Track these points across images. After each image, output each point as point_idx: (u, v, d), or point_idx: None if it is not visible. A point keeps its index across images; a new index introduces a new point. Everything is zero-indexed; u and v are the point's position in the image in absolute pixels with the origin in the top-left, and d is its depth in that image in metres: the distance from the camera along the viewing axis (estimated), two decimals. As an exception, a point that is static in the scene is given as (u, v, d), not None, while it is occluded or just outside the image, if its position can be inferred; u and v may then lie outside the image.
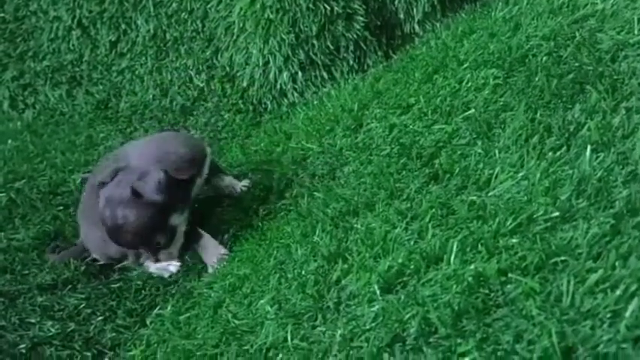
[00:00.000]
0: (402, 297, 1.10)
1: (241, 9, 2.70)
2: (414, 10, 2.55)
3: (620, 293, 0.87)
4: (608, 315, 0.86)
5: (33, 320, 1.71)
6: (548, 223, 1.08)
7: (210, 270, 1.86)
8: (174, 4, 3.11)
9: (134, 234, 1.74)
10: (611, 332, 0.83)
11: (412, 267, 1.16)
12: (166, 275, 1.91)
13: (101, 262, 1.99)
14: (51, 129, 3.09)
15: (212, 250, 1.87)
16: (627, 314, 0.84)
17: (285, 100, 2.68)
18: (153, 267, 1.94)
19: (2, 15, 3.54)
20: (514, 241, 1.08)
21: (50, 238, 2.10)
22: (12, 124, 3.19)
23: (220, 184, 2.09)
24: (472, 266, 1.07)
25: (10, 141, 2.87)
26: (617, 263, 0.93)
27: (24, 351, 1.61)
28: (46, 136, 2.97)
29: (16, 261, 1.95)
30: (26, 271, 1.91)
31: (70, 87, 3.35)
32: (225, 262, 1.82)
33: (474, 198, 1.27)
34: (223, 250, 1.86)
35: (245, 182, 2.09)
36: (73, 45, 3.37)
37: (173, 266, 1.92)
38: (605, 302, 0.87)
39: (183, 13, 3.08)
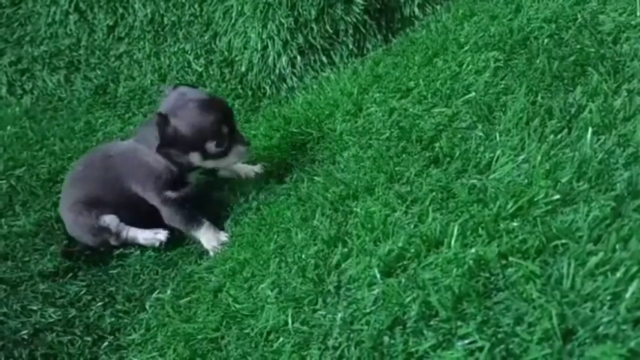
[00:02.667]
0: (403, 280, 1.10)
1: (239, -8, 2.69)
2: (414, -7, 2.54)
3: (621, 275, 0.87)
4: (609, 297, 0.86)
5: (35, 307, 1.72)
6: (549, 207, 1.08)
7: (211, 254, 1.86)
8: (171, -12, 3.09)
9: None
10: (611, 314, 0.83)
11: (412, 251, 1.16)
12: (157, 244, 1.94)
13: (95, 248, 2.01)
14: (49, 115, 3.08)
15: (212, 236, 1.88)
16: (627, 296, 0.84)
17: (284, 85, 2.67)
18: (141, 238, 1.95)
19: (-1, 0, 3.52)
20: (515, 224, 1.08)
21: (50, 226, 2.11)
22: (10, 109, 3.17)
23: (234, 166, 2.09)
24: (473, 250, 1.07)
25: (9, 127, 2.86)
26: (617, 246, 0.93)
27: (26, 337, 1.62)
28: (44, 122, 2.96)
29: (17, 248, 1.95)
30: (27, 258, 1.92)
31: (68, 72, 3.33)
32: (225, 247, 1.83)
33: (475, 181, 1.26)
34: (224, 237, 1.87)
35: (258, 167, 2.08)
36: (70, 30, 3.35)
37: (162, 234, 1.94)
38: (606, 285, 0.87)
39: (181, -3, 3.06)
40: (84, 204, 1.95)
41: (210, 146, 1.78)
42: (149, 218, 1.96)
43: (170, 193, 1.90)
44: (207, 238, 1.89)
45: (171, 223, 1.94)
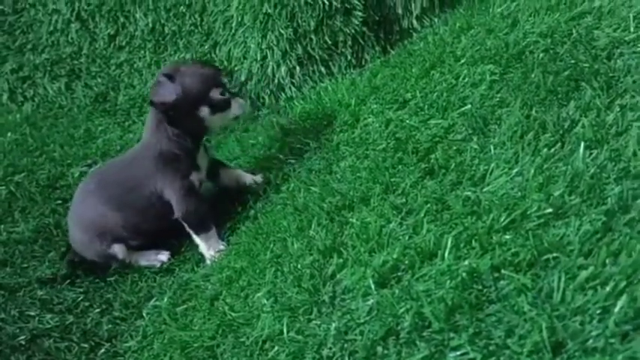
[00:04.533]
0: (397, 291, 1.11)
1: (239, 3, 2.70)
2: (412, 5, 2.55)
3: (610, 290, 0.88)
4: (598, 311, 0.87)
5: (32, 313, 1.73)
6: (541, 220, 1.09)
7: (208, 262, 1.88)
8: (172, -2, 3.12)
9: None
10: (600, 328, 0.85)
11: (407, 262, 1.17)
12: (157, 265, 1.96)
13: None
14: (50, 122, 3.09)
15: (214, 244, 1.90)
16: (616, 310, 0.85)
17: (283, 95, 2.69)
18: (143, 260, 1.97)
19: (1, 7, 3.52)
20: (507, 237, 1.09)
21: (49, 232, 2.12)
22: (11, 116, 3.18)
23: (235, 174, 2.13)
24: (466, 262, 1.08)
25: (9, 134, 2.88)
26: (607, 260, 0.94)
27: (23, 342, 1.63)
28: (45, 129, 2.98)
29: (16, 254, 1.97)
30: (26, 265, 1.93)
31: (69, 80, 3.34)
32: (222, 255, 1.84)
33: (469, 193, 1.28)
34: (222, 246, 1.89)
35: (259, 177, 2.10)
36: (71, 38, 3.37)
37: (163, 255, 1.96)
38: (595, 298, 0.89)
39: (182, 7, 3.08)
40: (96, 231, 1.96)
41: (215, 93, 1.89)
42: (164, 233, 2.00)
43: (194, 176, 1.94)
44: (209, 245, 1.90)
45: (186, 217, 1.93)
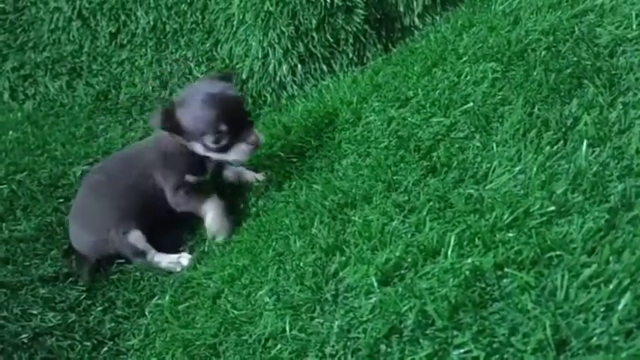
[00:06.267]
0: (400, 289, 1.11)
1: (241, 1, 2.70)
2: (414, 3, 2.55)
3: (613, 287, 0.89)
4: (602, 309, 0.87)
5: (35, 311, 1.73)
6: (544, 218, 1.09)
7: (209, 236, 1.90)
8: (173, -4, 3.11)
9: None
10: (604, 325, 0.85)
11: (410, 260, 1.17)
12: (179, 269, 1.93)
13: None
14: (51, 120, 3.09)
15: (220, 219, 1.93)
16: (620, 308, 0.85)
17: (285, 93, 2.69)
18: (165, 262, 1.95)
19: (2, 6, 3.52)
20: (510, 235, 1.09)
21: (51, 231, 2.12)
22: (12, 114, 3.18)
23: (238, 170, 2.13)
24: (469, 260, 1.08)
25: (10, 132, 2.87)
26: (610, 258, 0.94)
27: (26, 341, 1.63)
28: (46, 128, 2.97)
29: (18, 252, 1.96)
30: (28, 263, 1.93)
31: (70, 78, 3.34)
32: (221, 253, 1.84)
33: (472, 191, 1.28)
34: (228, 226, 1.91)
35: (260, 175, 2.10)
36: (73, 36, 3.37)
37: (184, 259, 1.95)
38: (599, 296, 0.89)
39: (183, 5, 3.08)
40: (112, 221, 1.97)
41: (208, 140, 1.82)
42: (169, 223, 2.03)
43: (189, 177, 1.95)
44: (214, 217, 1.93)
45: (183, 208, 1.97)
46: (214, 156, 1.88)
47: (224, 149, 1.84)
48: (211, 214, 1.94)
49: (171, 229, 2.06)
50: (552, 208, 1.10)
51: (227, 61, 2.88)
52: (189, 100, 1.82)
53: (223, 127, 1.80)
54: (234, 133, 1.82)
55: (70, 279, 1.90)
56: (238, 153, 1.86)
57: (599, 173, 1.13)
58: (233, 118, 1.82)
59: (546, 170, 1.21)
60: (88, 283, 1.92)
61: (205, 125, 1.80)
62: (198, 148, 1.86)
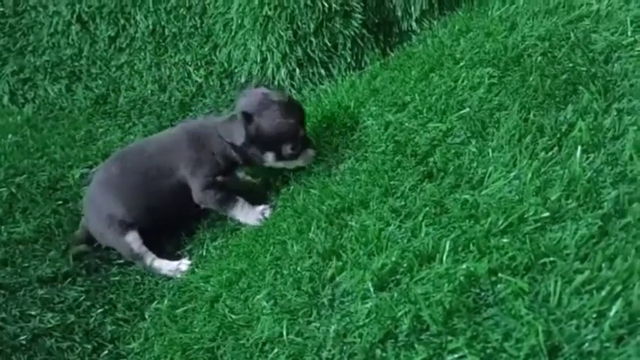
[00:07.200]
0: (395, 294, 1.12)
1: (239, 5, 2.71)
2: (412, 7, 2.56)
3: (605, 294, 0.90)
4: (594, 315, 0.88)
5: (33, 312, 1.74)
6: (538, 224, 1.10)
7: (258, 223, 1.90)
8: (172, 0, 3.12)
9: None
10: (596, 332, 0.86)
11: (405, 265, 1.18)
12: (178, 276, 1.93)
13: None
14: (50, 124, 3.11)
15: (249, 211, 1.93)
16: (611, 314, 0.86)
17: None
18: (165, 270, 1.96)
19: (2, 9, 3.54)
20: (505, 241, 1.10)
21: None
22: (12, 118, 3.20)
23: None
24: (464, 265, 1.09)
25: (10, 135, 2.89)
26: (603, 265, 0.95)
27: (24, 342, 1.64)
28: (45, 131, 2.99)
29: (17, 254, 1.97)
30: (26, 264, 1.94)
31: (70, 82, 3.36)
32: (224, 256, 1.85)
33: (467, 197, 1.29)
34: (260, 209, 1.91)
35: (258, 180, 2.12)
36: (72, 40, 3.38)
37: (184, 265, 1.96)
38: (591, 303, 0.90)
39: (182, 9, 3.09)
40: (118, 222, 1.99)
41: (286, 148, 1.86)
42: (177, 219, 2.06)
43: (220, 178, 1.97)
44: (245, 213, 1.93)
45: (208, 205, 1.98)
46: (279, 164, 1.92)
47: (296, 156, 1.89)
48: (241, 215, 1.95)
49: (174, 231, 2.08)
50: (546, 214, 1.11)
51: (226, 65, 2.89)
52: (266, 109, 1.84)
53: (301, 133, 1.87)
54: (305, 140, 1.89)
55: (69, 279, 1.91)
56: (306, 158, 1.91)
57: (593, 179, 1.14)
58: (304, 125, 1.89)
59: (541, 176, 1.22)
60: (70, 259, 1.96)
61: (287, 133, 1.84)
62: (269, 158, 1.89)
